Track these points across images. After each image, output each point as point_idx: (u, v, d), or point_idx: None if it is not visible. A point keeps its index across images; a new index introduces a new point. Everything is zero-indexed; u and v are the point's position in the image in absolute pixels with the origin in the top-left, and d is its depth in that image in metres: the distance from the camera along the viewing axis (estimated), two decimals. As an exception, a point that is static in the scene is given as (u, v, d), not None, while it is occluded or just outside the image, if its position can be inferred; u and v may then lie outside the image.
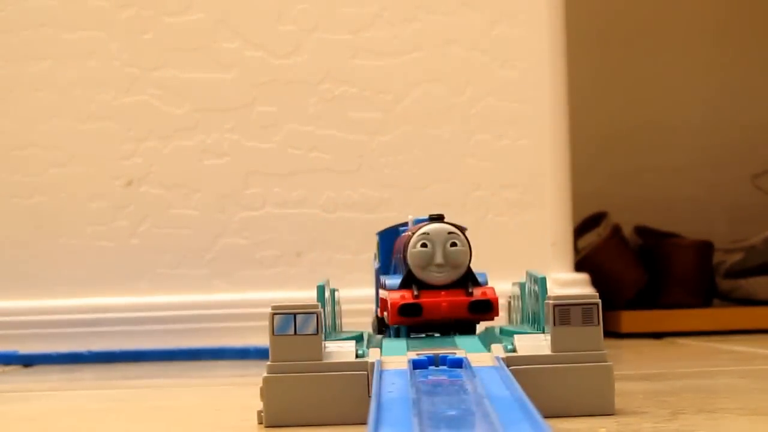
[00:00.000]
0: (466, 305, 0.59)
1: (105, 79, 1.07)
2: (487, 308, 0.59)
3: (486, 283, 0.61)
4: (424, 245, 0.59)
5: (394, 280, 0.61)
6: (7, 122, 1.07)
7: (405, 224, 0.65)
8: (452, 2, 1.07)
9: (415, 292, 0.59)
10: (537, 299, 0.58)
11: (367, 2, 1.07)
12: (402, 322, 0.59)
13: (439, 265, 0.59)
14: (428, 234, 0.59)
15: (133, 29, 1.07)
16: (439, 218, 0.61)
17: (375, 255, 0.70)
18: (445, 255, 0.59)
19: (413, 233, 0.60)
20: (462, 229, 0.60)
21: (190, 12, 1.07)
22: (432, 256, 0.59)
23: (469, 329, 0.61)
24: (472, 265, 0.60)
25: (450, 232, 0.59)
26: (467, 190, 1.07)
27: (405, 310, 0.59)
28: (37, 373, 0.95)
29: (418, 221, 0.62)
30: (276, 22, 1.07)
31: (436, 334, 0.61)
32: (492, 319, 0.60)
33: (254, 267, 1.06)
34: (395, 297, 0.59)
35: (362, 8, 1.07)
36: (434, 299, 0.59)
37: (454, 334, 0.61)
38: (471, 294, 0.59)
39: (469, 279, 0.60)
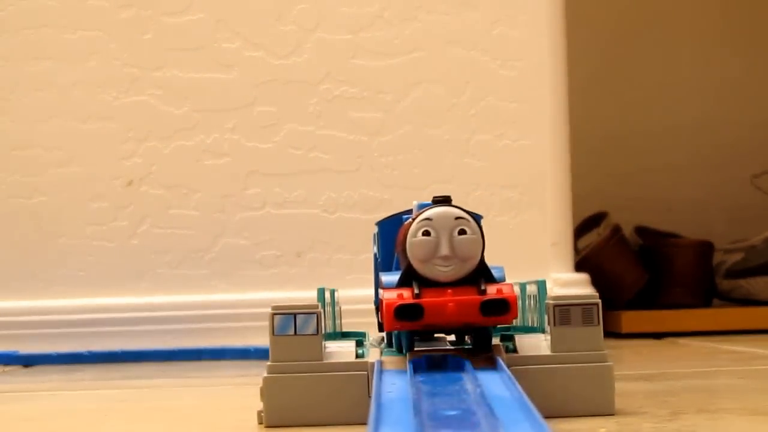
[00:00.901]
0: (478, 306, 0.49)
1: (105, 79, 1.07)
2: (502, 309, 0.49)
3: (503, 279, 0.51)
4: (426, 233, 0.50)
5: (392, 277, 0.51)
6: (7, 122, 1.07)
7: (409, 212, 0.55)
8: (452, 2, 1.07)
9: (416, 291, 0.49)
10: (536, 302, 0.57)
11: (367, 2, 1.07)
12: (400, 327, 0.50)
13: (444, 258, 0.49)
14: (431, 220, 0.50)
15: (133, 29, 1.07)
16: (445, 201, 0.51)
17: (374, 237, 0.61)
18: (451, 245, 0.49)
19: (414, 219, 0.51)
20: (474, 217, 0.51)
21: (190, 12, 1.07)
22: (436, 246, 0.49)
23: (483, 333, 0.52)
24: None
25: (458, 218, 0.50)
26: (467, 190, 1.07)
27: (403, 312, 0.49)
28: (37, 373, 0.95)
29: (422, 206, 0.52)
30: (276, 22, 1.07)
31: (448, 338, 0.56)
32: (510, 321, 0.51)
33: (254, 267, 1.06)
34: (391, 297, 0.50)
35: (362, 8, 1.07)
36: (438, 299, 0.49)
37: (470, 338, 0.53)
38: (484, 292, 0.49)
39: (481, 274, 0.50)
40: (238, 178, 1.07)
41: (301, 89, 1.07)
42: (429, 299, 0.49)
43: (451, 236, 0.50)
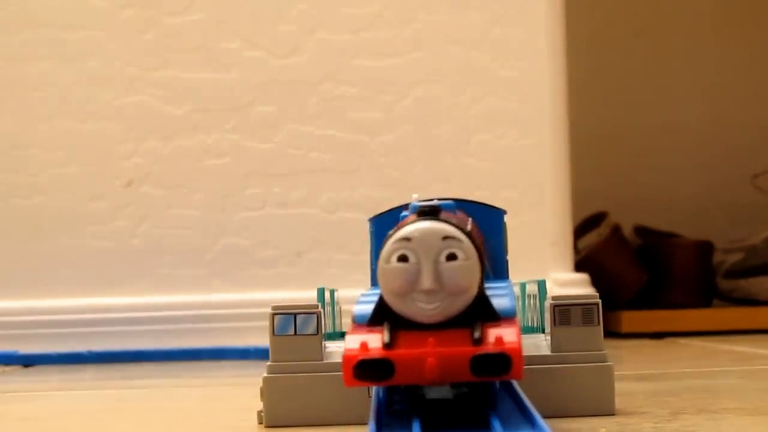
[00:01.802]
0: (468, 361, 0.36)
1: (105, 79, 1.07)
2: (501, 366, 0.36)
3: (512, 311, 0.39)
4: (403, 258, 0.37)
5: (367, 306, 0.39)
6: (7, 122, 1.07)
7: (407, 207, 0.43)
8: (452, 2, 1.07)
9: (386, 338, 0.37)
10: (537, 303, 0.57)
11: (367, 2, 1.07)
12: (361, 384, 0.37)
13: (427, 292, 0.37)
14: (410, 240, 0.38)
15: (133, 29, 1.07)
16: (431, 213, 0.38)
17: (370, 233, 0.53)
18: (437, 275, 0.37)
19: (389, 236, 0.39)
20: (466, 231, 0.38)
21: (190, 12, 1.07)
22: (416, 276, 0.37)
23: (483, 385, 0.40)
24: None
25: (446, 237, 0.37)
26: (467, 190, 1.07)
27: (365, 369, 0.37)
28: (37, 373, 0.95)
29: (414, 209, 0.40)
30: (276, 22, 1.07)
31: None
32: (516, 378, 0.38)
33: (254, 267, 1.06)
34: (352, 345, 0.37)
35: (362, 8, 1.07)
36: (414, 351, 0.37)
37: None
38: (478, 341, 0.37)
39: (478, 312, 0.38)
40: (238, 178, 1.07)
41: (301, 89, 1.07)
42: (401, 351, 0.37)
43: (436, 263, 0.37)
